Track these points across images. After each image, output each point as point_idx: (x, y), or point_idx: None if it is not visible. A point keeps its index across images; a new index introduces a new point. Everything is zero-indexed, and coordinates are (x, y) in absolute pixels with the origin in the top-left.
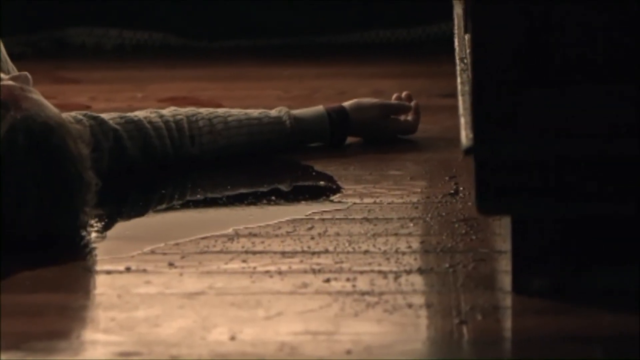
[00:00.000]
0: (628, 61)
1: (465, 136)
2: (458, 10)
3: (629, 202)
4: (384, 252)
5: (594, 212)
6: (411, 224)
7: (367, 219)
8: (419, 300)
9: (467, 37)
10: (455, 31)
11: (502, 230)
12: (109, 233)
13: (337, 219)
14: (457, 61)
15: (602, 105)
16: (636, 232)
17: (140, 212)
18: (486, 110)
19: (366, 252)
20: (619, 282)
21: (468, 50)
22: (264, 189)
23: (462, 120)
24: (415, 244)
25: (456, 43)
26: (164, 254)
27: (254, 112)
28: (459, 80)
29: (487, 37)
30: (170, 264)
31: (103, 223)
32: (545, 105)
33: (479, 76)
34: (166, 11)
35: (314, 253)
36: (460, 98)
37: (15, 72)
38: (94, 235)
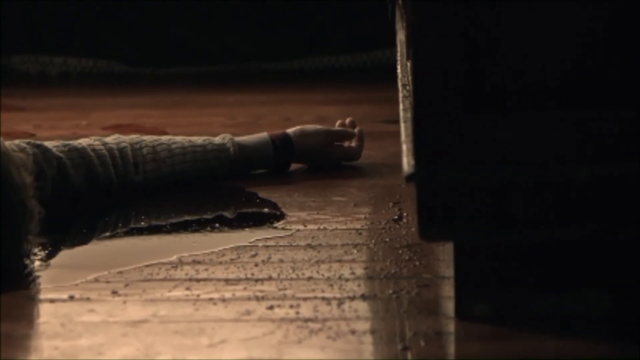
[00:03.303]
0: (566, 88)
1: (407, 163)
2: (401, 37)
3: (569, 228)
4: (328, 279)
5: (535, 237)
6: (355, 250)
7: (311, 246)
8: (362, 326)
9: (409, 63)
10: (398, 58)
11: (445, 256)
12: (52, 261)
13: (281, 245)
14: (400, 88)
15: (541, 132)
16: (578, 258)
17: (83, 240)
18: (427, 136)
19: (310, 278)
20: (562, 307)
21: (410, 77)
22: (208, 216)
23: (404, 147)
24: (359, 270)
25: (399, 69)
26: (108, 282)
27: (198, 140)
28: (401, 106)
29: (427, 64)
30: (114, 292)
31: (46, 251)
32: (485, 131)
33: (419, 103)
34: (111, 39)
35: (257, 280)
36: (402, 125)
37: None
38: (37, 263)
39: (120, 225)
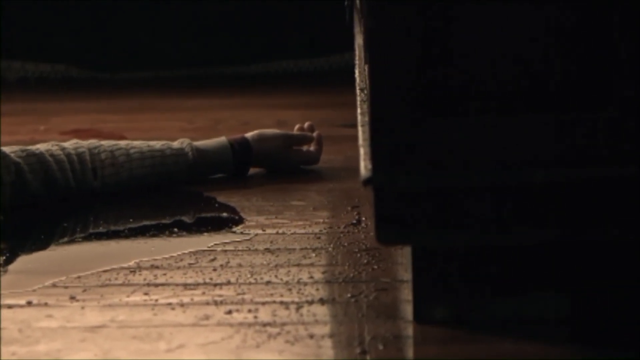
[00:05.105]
0: (523, 92)
1: (364, 167)
2: (359, 41)
3: (527, 231)
4: (286, 283)
5: (492, 242)
6: (313, 255)
7: (269, 250)
8: (320, 330)
9: (366, 67)
10: (356, 62)
11: (404, 260)
12: (11, 267)
13: (239, 250)
14: (358, 92)
15: (497, 136)
16: (536, 261)
17: (42, 246)
18: (384, 141)
19: (268, 283)
20: (519, 310)
21: (367, 81)
22: (167, 221)
23: (362, 151)
24: (318, 275)
25: (357, 74)
26: (66, 287)
27: (157, 144)
28: (359, 110)
29: (384, 68)
30: (72, 298)
31: (4, 257)
32: (442, 135)
33: (376, 107)
34: (69, 43)
35: (216, 285)
36: (360, 129)
37: None
38: None
39: (78, 230)
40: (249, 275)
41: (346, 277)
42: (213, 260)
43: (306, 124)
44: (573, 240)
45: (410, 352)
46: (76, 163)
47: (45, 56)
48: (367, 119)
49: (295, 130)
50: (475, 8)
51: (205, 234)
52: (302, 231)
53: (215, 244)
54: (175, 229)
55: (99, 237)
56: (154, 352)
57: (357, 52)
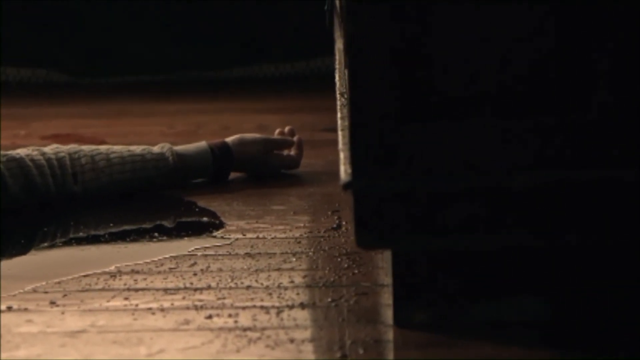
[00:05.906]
0: (501, 96)
1: (344, 171)
2: (339, 45)
3: (507, 236)
4: (267, 288)
5: (472, 246)
6: (294, 259)
7: (249, 255)
8: (301, 335)
9: (346, 72)
10: (337, 66)
11: (384, 264)
12: None
13: (219, 254)
14: (338, 96)
15: (476, 140)
16: (515, 265)
17: (22, 251)
18: (363, 145)
19: (249, 287)
20: (499, 314)
21: (347, 85)
22: (147, 226)
23: (342, 155)
24: (298, 279)
25: (337, 78)
26: (46, 292)
27: (137, 149)
28: (339, 115)
29: (363, 72)
30: (52, 303)
31: None
32: (421, 140)
33: (355, 111)
34: (50, 48)
35: (196, 289)
36: (340, 133)
37: None
38: None
39: (58, 235)
40: (229, 280)
41: (326, 281)
42: (193, 264)
43: (287, 128)
44: (553, 244)
45: (390, 356)
46: (56, 168)
47: (26, 61)
48: (347, 123)
49: (276, 134)
50: (454, 12)
51: (186, 238)
52: (283, 235)
53: (196, 249)
54: (156, 234)
55: (79, 241)
56: (135, 357)
57: (337, 57)
